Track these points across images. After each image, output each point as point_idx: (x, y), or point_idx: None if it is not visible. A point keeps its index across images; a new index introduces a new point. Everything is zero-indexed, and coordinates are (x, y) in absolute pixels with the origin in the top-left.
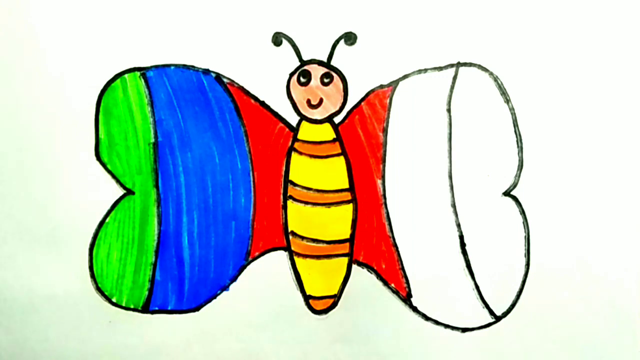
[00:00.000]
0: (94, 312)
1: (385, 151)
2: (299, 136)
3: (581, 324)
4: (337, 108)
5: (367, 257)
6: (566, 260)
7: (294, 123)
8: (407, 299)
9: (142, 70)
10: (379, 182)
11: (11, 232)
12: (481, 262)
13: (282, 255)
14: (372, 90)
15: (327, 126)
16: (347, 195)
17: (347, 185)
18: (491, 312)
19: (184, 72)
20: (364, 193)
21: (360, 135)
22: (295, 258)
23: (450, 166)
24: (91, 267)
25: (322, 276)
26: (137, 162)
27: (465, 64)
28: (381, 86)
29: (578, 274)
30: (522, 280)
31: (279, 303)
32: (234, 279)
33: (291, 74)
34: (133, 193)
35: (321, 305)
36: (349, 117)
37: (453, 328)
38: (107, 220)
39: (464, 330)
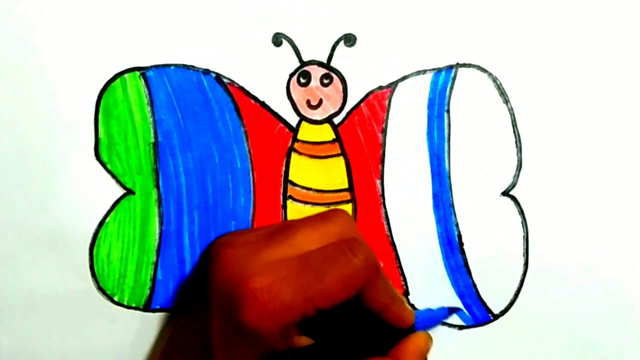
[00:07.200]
0: (96, 311)
1: (384, 152)
2: (299, 137)
3: (580, 323)
4: (337, 109)
5: None
6: (565, 260)
7: (293, 123)
8: (404, 296)
9: (142, 70)
10: (378, 182)
11: (11, 232)
12: (479, 261)
13: None
14: (372, 92)
15: (326, 127)
16: (347, 195)
17: (346, 186)
18: (489, 311)
19: (184, 72)
20: (363, 193)
21: (360, 136)
22: None
23: (449, 166)
24: (92, 267)
25: None
26: (137, 162)
27: (464, 65)
28: (380, 87)
29: (576, 274)
30: (520, 280)
31: None
32: None
33: (291, 75)
34: (133, 193)
35: None
36: (348, 117)
37: (450, 325)
38: (107, 220)
39: (461, 327)
